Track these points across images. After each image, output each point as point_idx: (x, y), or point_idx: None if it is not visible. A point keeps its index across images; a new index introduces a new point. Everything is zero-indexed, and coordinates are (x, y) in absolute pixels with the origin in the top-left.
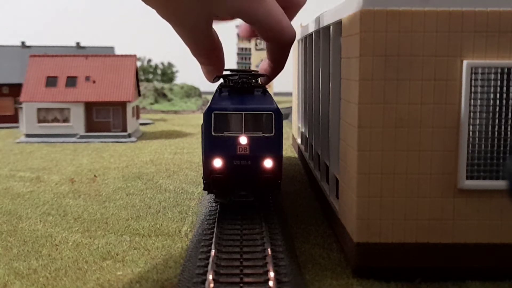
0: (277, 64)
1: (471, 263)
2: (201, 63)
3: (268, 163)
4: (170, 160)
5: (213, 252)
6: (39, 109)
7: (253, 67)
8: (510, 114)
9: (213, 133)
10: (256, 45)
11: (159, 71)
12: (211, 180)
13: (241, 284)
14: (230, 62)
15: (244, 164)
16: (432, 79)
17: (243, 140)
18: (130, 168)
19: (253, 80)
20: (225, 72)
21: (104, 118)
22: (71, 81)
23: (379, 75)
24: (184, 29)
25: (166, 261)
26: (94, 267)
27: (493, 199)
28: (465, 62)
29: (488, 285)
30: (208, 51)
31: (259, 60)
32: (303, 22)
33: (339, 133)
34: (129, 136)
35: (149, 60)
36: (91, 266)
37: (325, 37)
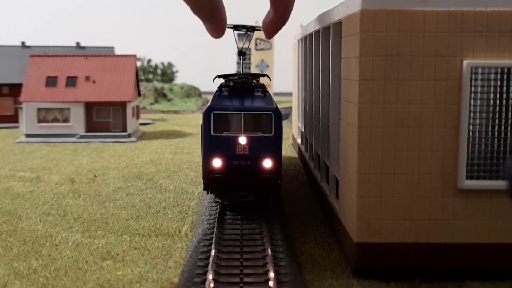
0: (281, 16)
1: (471, 263)
2: (202, 21)
3: (267, 163)
4: (170, 160)
5: (213, 252)
6: (39, 109)
7: (253, 67)
8: (510, 114)
9: (212, 133)
10: (256, 45)
11: (159, 71)
12: (210, 180)
13: (241, 284)
14: (230, 62)
15: (243, 164)
16: (432, 79)
17: (242, 140)
18: (130, 168)
19: (254, 80)
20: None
21: (104, 118)
22: (71, 81)
23: (379, 75)
24: None
25: (166, 261)
26: (94, 267)
27: (493, 199)
28: (465, 62)
29: (488, 285)
30: (208, 8)
31: (259, 60)
32: (303, 22)
33: (339, 133)
34: (129, 136)
35: (149, 60)
36: (91, 266)
37: (325, 37)
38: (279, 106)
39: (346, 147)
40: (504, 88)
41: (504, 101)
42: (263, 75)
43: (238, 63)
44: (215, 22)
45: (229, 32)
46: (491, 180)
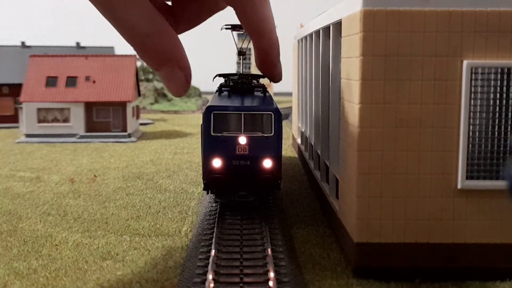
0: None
1: (471, 263)
2: (155, 68)
3: (267, 163)
4: (170, 160)
5: (213, 252)
6: (39, 109)
7: (253, 67)
8: (510, 114)
9: (212, 133)
10: None
11: None
12: (210, 180)
13: (241, 284)
14: (230, 62)
15: (243, 164)
16: (432, 79)
17: (242, 140)
18: (130, 168)
19: (254, 80)
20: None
21: (104, 118)
22: (71, 81)
23: (379, 75)
24: None
25: (166, 261)
26: (94, 267)
27: (493, 199)
28: (465, 62)
29: (488, 285)
30: (163, 48)
31: None
32: (303, 22)
33: (339, 133)
34: (129, 136)
35: None
36: (91, 266)
37: (325, 37)
38: (279, 106)
39: (346, 147)
40: (504, 88)
41: (504, 101)
42: (263, 76)
43: (238, 63)
44: (172, 67)
45: (228, 32)
46: (491, 180)
